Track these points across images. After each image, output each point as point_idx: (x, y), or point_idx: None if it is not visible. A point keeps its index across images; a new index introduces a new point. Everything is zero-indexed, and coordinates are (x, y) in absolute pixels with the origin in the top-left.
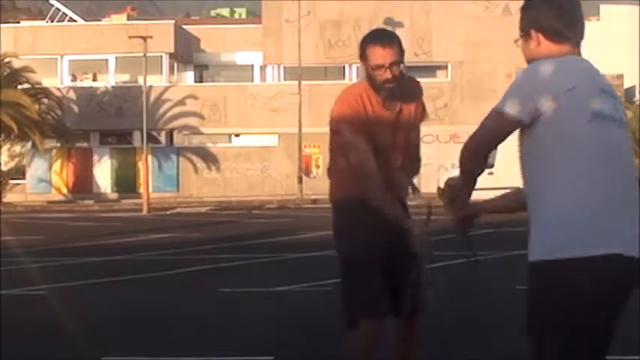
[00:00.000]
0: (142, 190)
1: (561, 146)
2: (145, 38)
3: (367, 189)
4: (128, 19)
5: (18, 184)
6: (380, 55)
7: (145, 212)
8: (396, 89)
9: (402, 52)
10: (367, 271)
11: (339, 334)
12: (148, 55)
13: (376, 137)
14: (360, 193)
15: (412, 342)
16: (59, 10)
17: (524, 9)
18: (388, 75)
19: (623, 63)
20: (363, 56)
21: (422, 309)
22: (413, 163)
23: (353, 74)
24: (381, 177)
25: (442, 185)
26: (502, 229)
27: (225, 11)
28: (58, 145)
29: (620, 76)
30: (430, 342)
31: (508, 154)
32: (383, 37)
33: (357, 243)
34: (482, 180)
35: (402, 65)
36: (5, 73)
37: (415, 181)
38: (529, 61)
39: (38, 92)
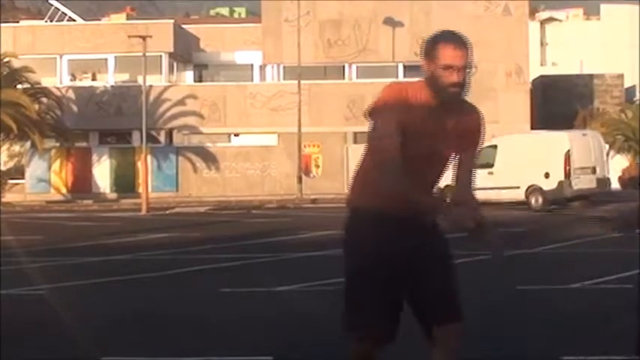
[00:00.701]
0: (141, 189)
1: None
2: (144, 38)
3: (388, 181)
4: (127, 19)
5: (17, 184)
6: (452, 55)
7: (144, 212)
8: (456, 100)
9: (471, 58)
10: (369, 294)
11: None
12: (147, 54)
13: (410, 137)
14: (380, 201)
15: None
16: (58, 9)
17: None
18: (455, 78)
19: (623, 63)
20: (430, 55)
21: (457, 317)
22: (458, 193)
23: (353, 74)
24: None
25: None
26: (502, 229)
27: (224, 11)
28: (57, 144)
29: (620, 76)
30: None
31: (507, 153)
32: (456, 38)
33: (366, 260)
34: (482, 179)
35: (470, 71)
36: (4, 73)
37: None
38: None
39: (37, 92)
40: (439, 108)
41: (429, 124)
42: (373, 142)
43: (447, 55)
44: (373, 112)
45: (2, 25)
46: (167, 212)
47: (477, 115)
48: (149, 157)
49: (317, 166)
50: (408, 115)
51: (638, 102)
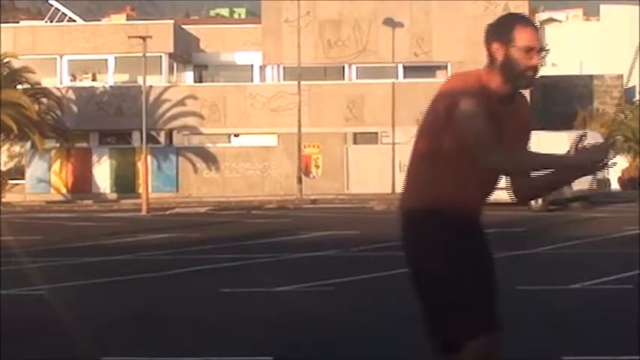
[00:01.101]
0: (141, 190)
1: None
2: (144, 38)
3: (495, 158)
4: (127, 19)
5: (17, 184)
6: (532, 37)
7: (144, 212)
8: (530, 86)
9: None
10: (478, 292)
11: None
12: (147, 55)
13: None
14: (443, 198)
15: None
16: (58, 10)
17: None
18: (535, 61)
19: (623, 63)
20: (504, 37)
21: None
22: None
23: (352, 74)
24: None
25: None
26: (502, 229)
27: (224, 11)
28: (58, 145)
29: (620, 77)
30: None
31: None
32: (530, 19)
33: (461, 261)
34: None
35: (545, 55)
36: (5, 73)
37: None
38: None
39: (37, 92)
40: (507, 96)
41: (497, 113)
42: (459, 124)
43: (527, 36)
44: (440, 98)
45: (2, 25)
46: (167, 213)
47: (528, 108)
48: (149, 158)
49: (317, 167)
50: (482, 101)
51: (637, 102)
